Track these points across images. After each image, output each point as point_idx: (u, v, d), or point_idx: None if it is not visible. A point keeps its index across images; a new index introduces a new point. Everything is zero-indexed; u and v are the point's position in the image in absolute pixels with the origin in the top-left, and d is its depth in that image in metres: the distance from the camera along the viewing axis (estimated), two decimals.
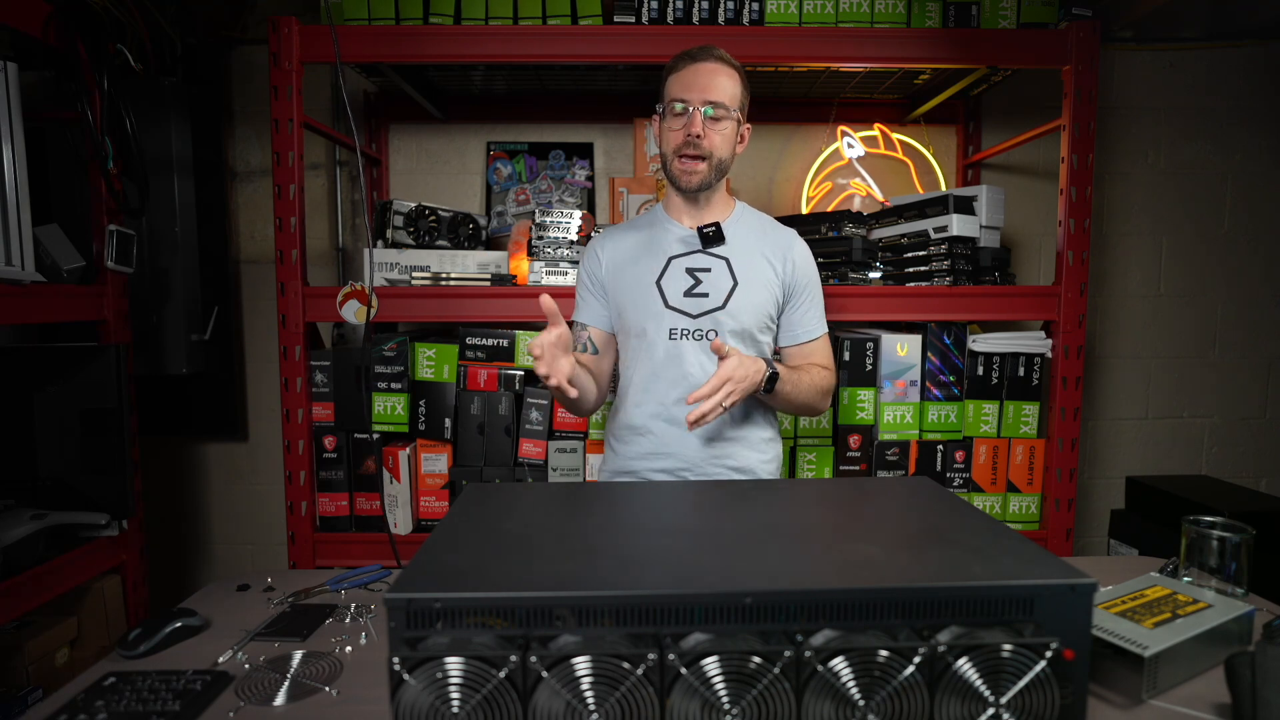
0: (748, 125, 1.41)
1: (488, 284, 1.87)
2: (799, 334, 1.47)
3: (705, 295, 1.39)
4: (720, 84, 1.34)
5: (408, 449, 1.92)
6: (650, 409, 1.41)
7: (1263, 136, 2.45)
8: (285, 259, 1.81)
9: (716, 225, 1.41)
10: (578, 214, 1.97)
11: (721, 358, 1.26)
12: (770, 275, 1.42)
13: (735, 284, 1.39)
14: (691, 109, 1.34)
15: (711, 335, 1.38)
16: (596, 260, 1.48)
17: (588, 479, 1.90)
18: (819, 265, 1.96)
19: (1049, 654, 0.67)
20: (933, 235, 1.94)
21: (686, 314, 1.39)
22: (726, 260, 1.41)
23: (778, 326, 1.48)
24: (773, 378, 1.32)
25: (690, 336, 1.39)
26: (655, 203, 2.10)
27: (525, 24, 1.82)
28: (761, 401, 1.43)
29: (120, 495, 1.74)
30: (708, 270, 1.40)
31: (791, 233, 1.49)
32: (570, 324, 1.46)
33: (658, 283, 1.41)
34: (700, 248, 1.42)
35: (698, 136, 1.33)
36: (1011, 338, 1.94)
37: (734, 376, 1.25)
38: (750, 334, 1.41)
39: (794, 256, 1.45)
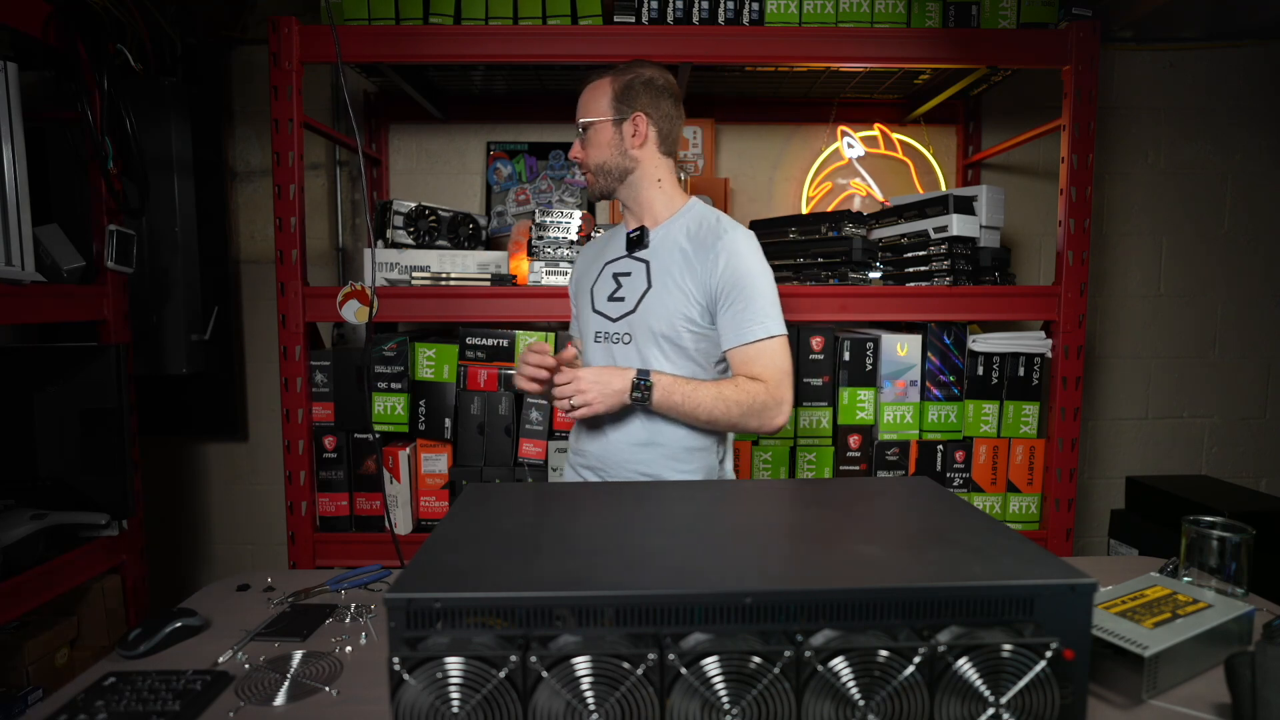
0: (639, 114, 1.37)
1: (488, 284, 1.87)
2: (731, 337, 1.35)
3: (622, 299, 1.41)
4: (582, 104, 1.42)
5: (408, 449, 1.92)
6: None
7: (1263, 136, 2.45)
8: (285, 259, 1.81)
9: (641, 229, 1.42)
10: (578, 214, 1.97)
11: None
12: (688, 276, 1.35)
13: (649, 287, 1.38)
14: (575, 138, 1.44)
15: (628, 338, 1.40)
16: (572, 271, 1.57)
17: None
18: (819, 265, 1.98)
19: (1049, 654, 0.66)
20: (933, 235, 1.94)
21: (608, 317, 1.43)
22: (646, 264, 1.40)
23: (718, 329, 1.38)
24: (642, 386, 1.28)
25: (610, 339, 1.42)
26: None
27: (525, 24, 1.82)
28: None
29: (120, 495, 1.74)
30: (629, 274, 1.42)
31: (728, 231, 1.36)
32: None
33: (592, 288, 1.47)
34: (627, 252, 1.45)
35: (575, 158, 1.44)
36: (1011, 338, 1.94)
37: (584, 378, 1.28)
38: (666, 338, 1.36)
39: (719, 255, 1.33)
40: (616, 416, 1.38)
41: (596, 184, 1.43)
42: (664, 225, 1.41)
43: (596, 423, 1.41)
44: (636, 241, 1.42)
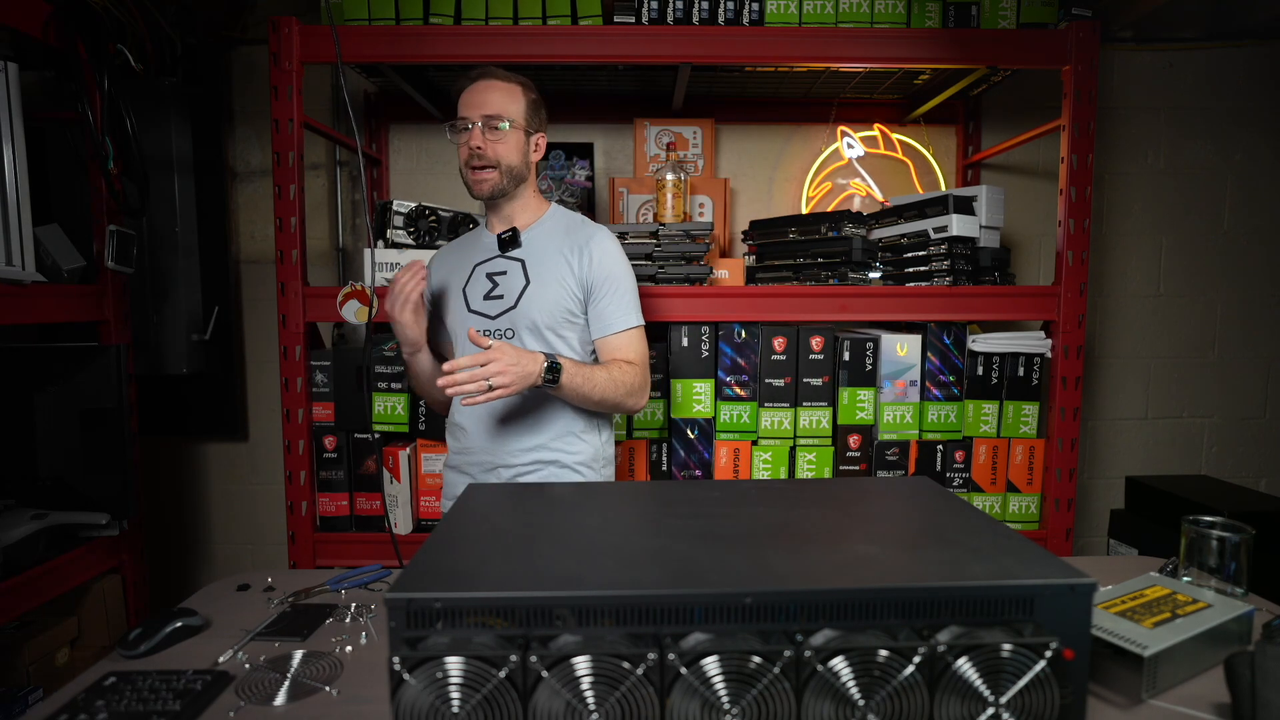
0: (541, 134, 1.51)
1: None
2: (601, 327, 1.48)
3: (501, 297, 1.46)
4: (494, 99, 1.43)
5: (408, 449, 1.92)
6: (461, 408, 1.49)
7: (1263, 136, 2.45)
8: (285, 259, 1.81)
9: (513, 230, 1.48)
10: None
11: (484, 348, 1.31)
12: (565, 271, 1.46)
13: (527, 283, 1.45)
14: (471, 125, 1.43)
15: (509, 334, 1.45)
16: (428, 279, 1.52)
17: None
18: (819, 265, 1.99)
19: (1049, 654, 0.67)
20: (932, 235, 1.94)
21: (486, 315, 1.46)
22: (522, 262, 1.47)
23: (588, 320, 1.49)
24: (553, 368, 1.33)
25: (491, 336, 1.44)
26: (654, 203, 2.10)
27: (525, 24, 1.82)
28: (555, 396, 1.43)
29: (120, 495, 1.74)
30: (504, 273, 1.47)
31: (597, 231, 1.50)
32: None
33: (464, 290, 1.49)
34: (499, 253, 1.49)
35: (479, 148, 1.42)
36: (1011, 338, 1.95)
37: (501, 360, 1.27)
38: (548, 330, 1.45)
39: (592, 251, 1.46)
40: (508, 402, 1.44)
41: (499, 182, 1.45)
42: (532, 227, 1.50)
43: (485, 412, 1.46)
44: (509, 242, 1.48)
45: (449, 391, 1.28)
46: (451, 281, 1.52)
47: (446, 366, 1.28)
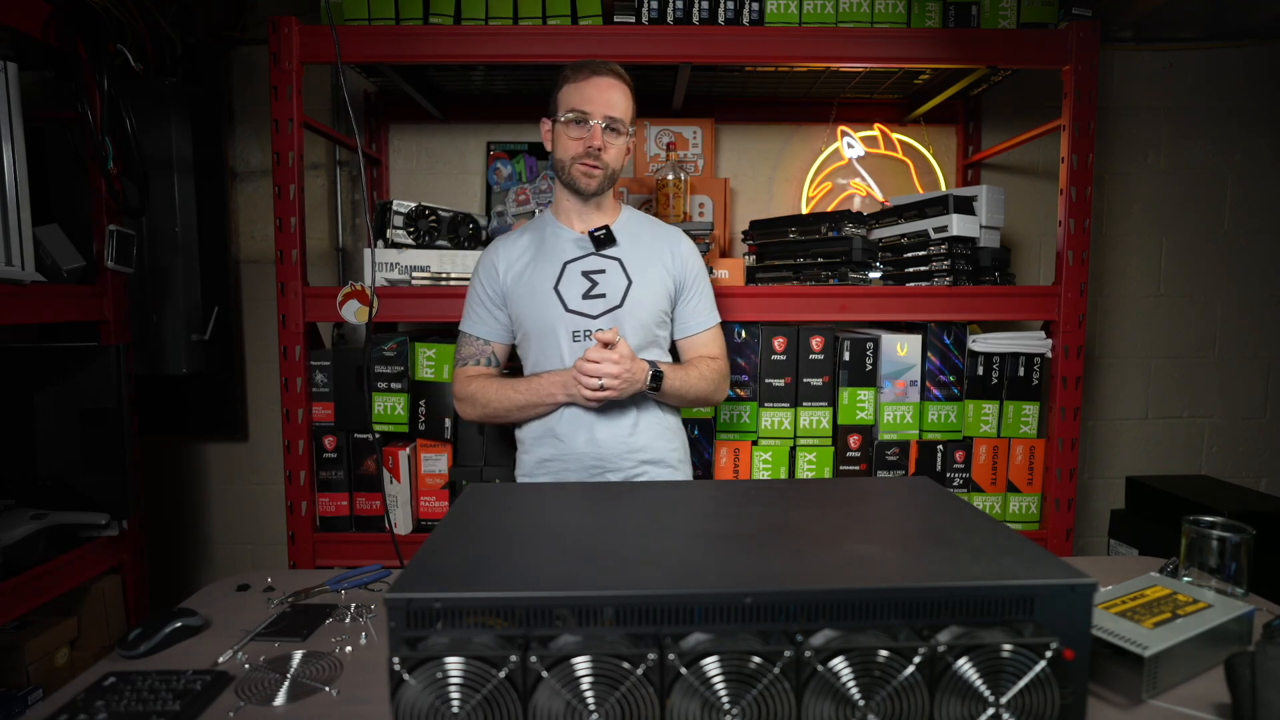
0: (633, 138, 1.51)
1: None
2: (691, 326, 1.54)
3: (603, 296, 1.45)
4: (616, 100, 1.43)
5: (408, 449, 1.92)
6: (563, 412, 1.46)
7: (1263, 136, 2.45)
8: (285, 259, 1.81)
9: (606, 228, 1.48)
10: None
11: (609, 347, 1.35)
12: (661, 271, 1.49)
13: (630, 282, 1.46)
14: (592, 122, 1.42)
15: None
16: (494, 272, 1.51)
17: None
18: (819, 265, 1.99)
19: (1049, 654, 0.67)
20: (933, 235, 1.94)
21: (587, 315, 1.45)
22: (619, 260, 1.47)
23: (671, 320, 1.54)
24: (657, 375, 1.40)
25: (593, 337, 1.43)
26: (654, 203, 2.10)
27: (525, 24, 1.82)
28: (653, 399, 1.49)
29: (120, 495, 1.74)
30: (602, 272, 1.46)
31: (677, 231, 1.57)
32: (461, 334, 1.55)
33: (556, 288, 1.46)
34: (593, 250, 1.48)
35: (599, 149, 1.42)
36: (1011, 338, 1.94)
37: (620, 365, 1.33)
38: (649, 329, 1.47)
39: (681, 252, 1.52)
40: (605, 409, 1.44)
41: (601, 184, 1.46)
42: (617, 226, 1.50)
43: (585, 419, 1.44)
44: (605, 240, 1.47)
45: (584, 384, 1.32)
46: (535, 279, 1.47)
47: (585, 355, 1.33)
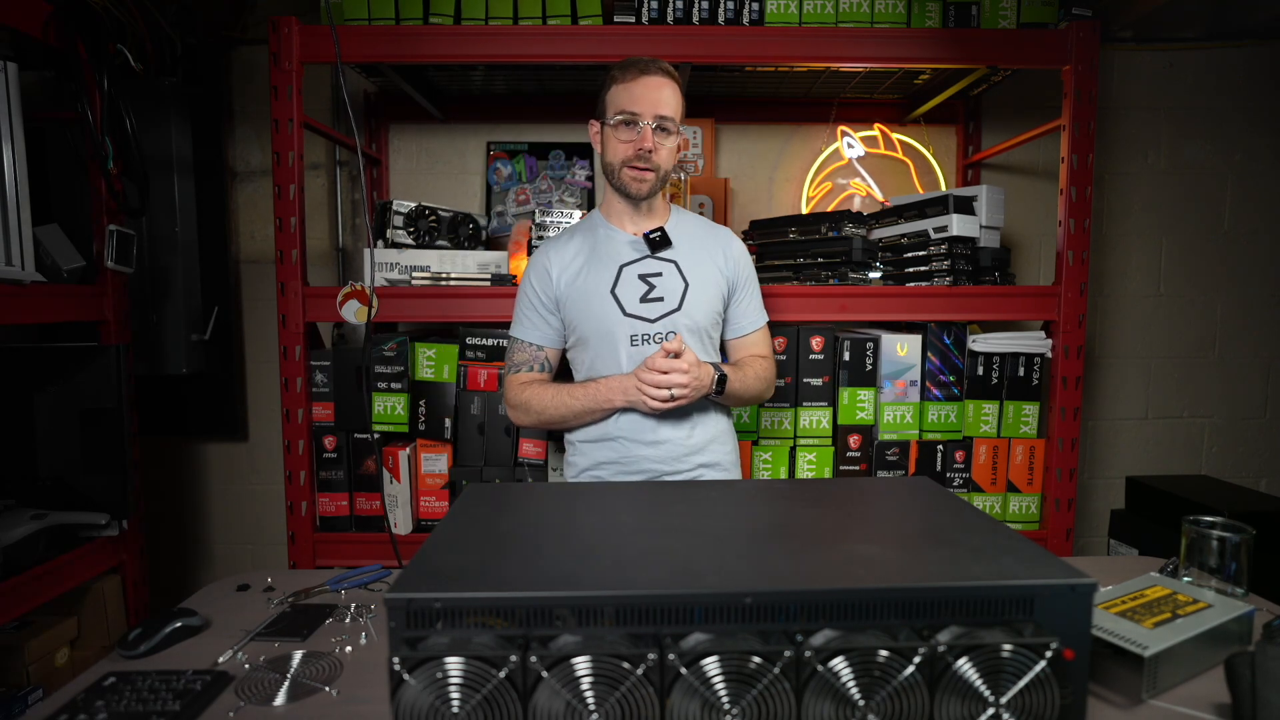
0: (684, 136, 1.45)
1: (488, 284, 1.87)
2: (743, 326, 1.54)
3: (660, 299, 1.44)
4: (667, 98, 1.39)
5: (408, 449, 1.92)
6: (620, 416, 1.44)
7: (1263, 136, 2.45)
8: (285, 259, 1.81)
9: (661, 230, 1.46)
10: (578, 214, 1.97)
11: (675, 355, 1.33)
12: (715, 272, 1.48)
13: (687, 285, 1.45)
14: (642, 123, 1.38)
15: (671, 337, 1.41)
16: (546, 276, 1.48)
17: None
18: (819, 265, 1.99)
19: (1049, 654, 0.67)
20: (933, 235, 1.94)
21: (644, 319, 1.43)
22: (675, 263, 1.46)
23: (727, 317, 1.54)
24: (722, 379, 1.40)
25: (651, 341, 1.42)
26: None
27: (525, 24, 1.82)
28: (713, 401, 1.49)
29: (120, 495, 1.74)
30: (659, 274, 1.45)
31: (728, 231, 1.56)
32: (511, 340, 1.53)
33: (613, 292, 1.43)
34: (649, 253, 1.46)
35: (649, 150, 1.38)
36: (1011, 338, 1.94)
37: (690, 373, 1.32)
38: (705, 331, 1.47)
39: (733, 253, 1.52)
40: (667, 413, 1.42)
41: (653, 187, 1.43)
42: (669, 228, 1.48)
43: (646, 423, 1.43)
44: (660, 243, 1.45)
45: (652, 395, 1.32)
46: (590, 283, 1.45)
47: (651, 364, 1.32)
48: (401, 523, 1.92)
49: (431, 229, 2.01)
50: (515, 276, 1.93)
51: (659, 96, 1.38)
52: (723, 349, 1.59)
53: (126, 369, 1.72)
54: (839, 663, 0.66)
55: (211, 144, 2.29)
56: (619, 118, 1.39)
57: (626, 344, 1.42)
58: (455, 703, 0.65)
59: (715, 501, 1.03)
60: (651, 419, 1.42)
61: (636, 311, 1.42)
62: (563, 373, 1.58)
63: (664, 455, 1.43)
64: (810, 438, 1.96)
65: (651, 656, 0.65)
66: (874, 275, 2.00)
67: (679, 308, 1.43)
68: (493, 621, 0.69)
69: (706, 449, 1.47)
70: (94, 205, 1.77)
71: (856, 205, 2.42)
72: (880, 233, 2.07)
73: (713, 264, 1.48)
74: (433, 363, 1.92)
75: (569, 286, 1.46)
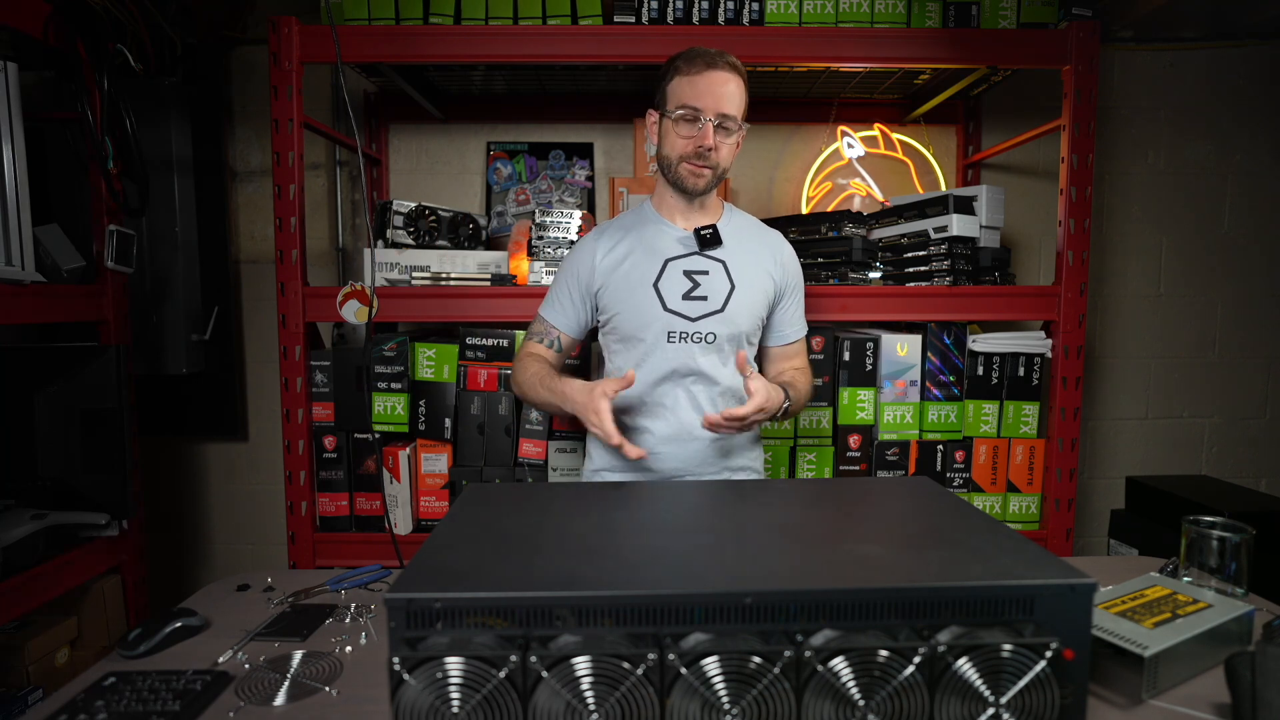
0: (744, 130, 1.40)
1: (488, 284, 1.87)
2: (787, 334, 1.51)
3: (704, 298, 1.39)
4: (732, 94, 1.32)
5: (408, 449, 1.92)
6: (651, 413, 1.42)
7: (1263, 136, 2.45)
8: (285, 259, 1.81)
9: (713, 228, 1.41)
10: (578, 214, 1.97)
11: (745, 375, 1.30)
12: (765, 277, 1.44)
13: (733, 287, 1.40)
14: (704, 120, 1.31)
15: (712, 338, 1.39)
16: (589, 261, 1.43)
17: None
18: (819, 265, 1.98)
19: (1049, 654, 0.67)
20: (933, 235, 1.94)
21: (685, 317, 1.38)
22: (724, 263, 1.41)
23: (770, 324, 1.50)
24: (788, 399, 1.36)
25: (689, 339, 1.38)
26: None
27: (525, 24, 1.82)
28: None
29: (120, 495, 1.74)
30: (705, 273, 1.40)
31: (779, 234, 1.51)
32: (538, 315, 1.50)
33: (655, 285, 1.39)
34: (697, 250, 1.41)
35: (710, 149, 1.32)
36: (1011, 338, 1.94)
37: (766, 408, 1.28)
38: (745, 336, 1.42)
39: (784, 258, 1.48)
40: (697, 417, 1.39)
41: (709, 184, 1.38)
42: (721, 225, 1.43)
43: (679, 427, 1.40)
44: (710, 240, 1.40)
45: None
46: (633, 273, 1.40)
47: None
48: (401, 523, 1.92)
49: (431, 229, 2.01)
50: (515, 276, 1.93)
51: (724, 93, 1.31)
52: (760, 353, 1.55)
53: (126, 369, 1.72)
54: (839, 663, 0.66)
55: (211, 144, 2.29)
56: (680, 112, 1.32)
57: (663, 339, 1.38)
58: (455, 703, 0.65)
59: (715, 501, 1.03)
60: (684, 427, 1.40)
61: (677, 308, 1.38)
62: (580, 368, 1.56)
63: (693, 458, 1.42)
64: (810, 437, 1.96)
65: (651, 656, 0.65)
66: (874, 275, 2.00)
67: (722, 309, 1.38)
68: (493, 621, 0.69)
69: (737, 455, 1.46)
70: (94, 205, 1.78)
71: (856, 205, 2.42)
72: (880, 233, 2.07)
73: (761, 268, 1.43)
74: (433, 363, 1.92)
75: (610, 273, 1.42)
